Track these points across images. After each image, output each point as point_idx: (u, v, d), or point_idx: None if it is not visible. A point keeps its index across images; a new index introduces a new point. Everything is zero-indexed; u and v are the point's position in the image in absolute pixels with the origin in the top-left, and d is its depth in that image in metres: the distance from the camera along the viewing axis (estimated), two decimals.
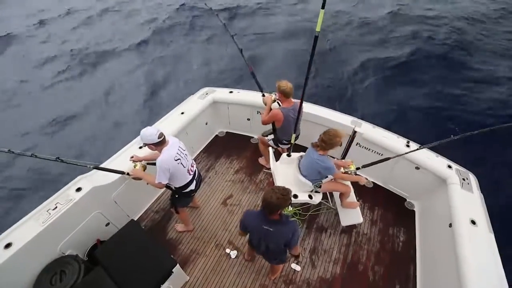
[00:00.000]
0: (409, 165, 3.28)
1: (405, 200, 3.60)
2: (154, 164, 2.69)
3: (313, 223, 3.33)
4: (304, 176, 2.79)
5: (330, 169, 2.61)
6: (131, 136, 3.25)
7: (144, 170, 2.61)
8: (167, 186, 2.55)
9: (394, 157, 2.89)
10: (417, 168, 3.24)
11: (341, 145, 2.56)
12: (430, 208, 3.28)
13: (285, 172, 3.12)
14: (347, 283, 2.83)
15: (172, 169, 2.31)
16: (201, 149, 4.30)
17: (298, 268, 2.93)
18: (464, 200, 2.75)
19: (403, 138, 3.36)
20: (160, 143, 2.26)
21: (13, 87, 8.19)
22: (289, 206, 3.25)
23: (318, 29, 1.92)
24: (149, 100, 7.47)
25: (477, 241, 2.40)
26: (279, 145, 3.36)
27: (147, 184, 2.79)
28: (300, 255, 3.01)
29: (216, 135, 4.55)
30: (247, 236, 2.35)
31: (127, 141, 3.21)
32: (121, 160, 2.90)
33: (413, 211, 3.49)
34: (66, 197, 2.50)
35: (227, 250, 3.03)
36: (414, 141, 3.34)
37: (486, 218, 2.60)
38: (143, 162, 2.66)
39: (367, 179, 3.66)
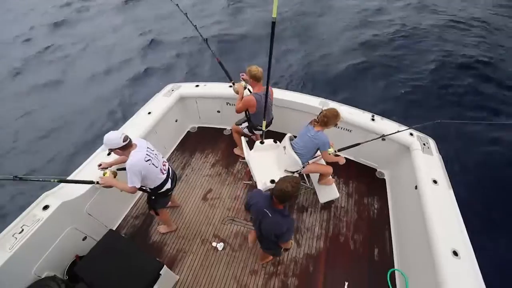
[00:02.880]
0: (375, 137, 3.46)
1: (376, 170, 3.83)
2: (125, 169, 2.62)
3: (294, 204, 3.45)
4: (299, 154, 2.84)
5: (326, 143, 2.74)
6: None
7: (114, 177, 2.51)
8: (142, 189, 2.48)
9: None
10: (383, 139, 3.44)
11: (336, 125, 2.71)
12: (398, 174, 3.53)
13: (260, 159, 3.17)
14: (331, 255, 3.00)
15: (143, 170, 2.26)
16: (174, 147, 4.20)
17: None
18: (426, 163, 2.99)
19: (368, 113, 3.54)
20: (126, 146, 2.19)
21: None
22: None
23: (274, 15, 1.94)
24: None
25: (439, 198, 2.64)
26: (254, 131, 3.38)
27: (121, 191, 2.68)
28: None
29: (188, 131, 4.46)
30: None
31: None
32: (89, 169, 2.75)
33: (384, 180, 3.74)
34: (33, 217, 2.34)
35: (214, 244, 3.06)
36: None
37: (445, 176, 2.86)
38: (113, 169, 2.55)
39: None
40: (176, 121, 4.11)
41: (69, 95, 7.47)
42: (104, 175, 2.45)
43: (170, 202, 3.30)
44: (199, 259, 2.96)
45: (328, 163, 3.11)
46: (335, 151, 2.96)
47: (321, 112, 2.70)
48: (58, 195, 2.52)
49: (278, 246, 2.25)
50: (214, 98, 4.02)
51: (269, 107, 3.15)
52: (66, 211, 2.49)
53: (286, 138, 3.03)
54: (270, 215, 2.02)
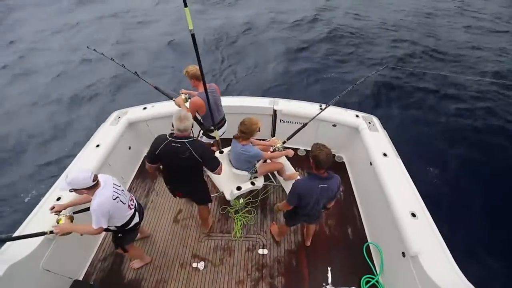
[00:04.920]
0: (327, 125, 3.68)
1: (334, 155, 4.06)
2: (83, 210, 2.40)
3: (266, 205, 3.49)
4: (237, 168, 2.89)
5: (256, 155, 2.77)
6: None
7: (71, 221, 2.25)
8: (107, 229, 2.28)
9: (309, 121, 3.21)
10: (334, 125, 3.67)
11: (259, 130, 2.71)
12: (354, 155, 3.78)
13: (224, 169, 3.15)
14: (311, 245, 3.09)
15: (112, 209, 2.08)
16: (133, 175, 3.98)
17: (265, 251, 3.05)
18: (374, 140, 3.26)
19: (316, 104, 3.74)
20: (94, 186, 2.00)
21: None
22: (240, 199, 3.33)
23: (190, 27, 1.98)
24: None
25: (391, 168, 2.91)
26: (211, 135, 3.33)
27: (81, 235, 2.48)
28: (265, 238, 3.16)
29: (145, 156, 4.26)
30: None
31: None
32: (40, 219, 2.49)
33: (343, 163, 3.97)
34: None
35: (194, 265, 2.96)
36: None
37: (392, 148, 3.15)
38: (68, 213, 2.31)
39: (297, 149, 4.01)
40: (129, 148, 3.90)
41: None
42: (58, 222, 2.20)
43: (139, 234, 3.13)
44: (181, 284, 2.83)
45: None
46: (283, 144, 3.08)
47: (238, 128, 2.73)
48: (3, 259, 2.21)
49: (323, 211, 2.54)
50: (165, 117, 3.89)
51: (219, 105, 3.15)
52: (17, 275, 2.20)
53: (225, 158, 3.12)
54: (326, 185, 2.19)
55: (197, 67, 2.80)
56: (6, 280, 2.12)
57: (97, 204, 2.00)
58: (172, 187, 2.68)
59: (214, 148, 3.81)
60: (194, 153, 2.20)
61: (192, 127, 3.23)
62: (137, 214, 2.43)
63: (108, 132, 3.56)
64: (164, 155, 2.27)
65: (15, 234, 2.34)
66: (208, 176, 3.81)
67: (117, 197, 2.13)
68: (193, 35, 2.03)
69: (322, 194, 2.25)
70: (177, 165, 2.32)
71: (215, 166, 2.37)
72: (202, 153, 2.26)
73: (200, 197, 2.88)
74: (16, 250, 2.29)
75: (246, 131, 2.63)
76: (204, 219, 3.18)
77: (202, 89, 2.92)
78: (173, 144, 2.21)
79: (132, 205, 2.38)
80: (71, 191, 1.97)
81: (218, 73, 7.94)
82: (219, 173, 2.44)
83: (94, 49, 3.38)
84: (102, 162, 3.21)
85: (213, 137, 3.28)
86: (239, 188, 2.90)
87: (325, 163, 2.08)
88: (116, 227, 2.31)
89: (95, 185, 2.01)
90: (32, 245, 2.33)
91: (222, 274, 2.89)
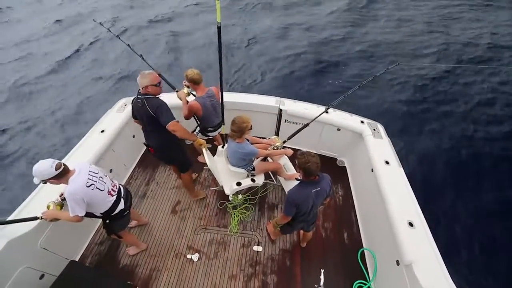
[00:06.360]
0: (332, 128, 3.68)
1: (336, 159, 4.06)
2: None
3: (264, 203, 3.51)
4: (234, 165, 2.92)
5: (250, 153, 2.79)
6: None
7: (61, 208, 2.27)
8: (91, 215, 2.29)
9: (310, 122, 3.23)
10: (339, 129, 3.67)
11: (251, 128, 2.73)
12: (356, 160, 3.78)
13: (223, 164, 3.17)
14: (306, 247, 3.10)
15: (86, 197, 2.06)
16: (135, 163, 4.02)
17: (260, 248, 3.07)
18: (378, 147, 3.25)
19: (322, 106, 3.73)
20: (61, 175, 1.97)
21: None
22: (239, 195, 3.35)
23: (218, 19, 1.97)
24: None
25: (392, 176, 2.90)
26: (207, 134, 3.36)
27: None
28: (262, 235, 3.17)
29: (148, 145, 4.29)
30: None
31: None
32: (36, 204, 2.51)
33: (344, 167, 3.97)
34: None
35: (188, 256, 2.98)
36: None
37: (395, 156, 3.14)
38: (57, 200, 2.32)
39: (300, 150, 4.01)
40: (133, 136, 3.93)
41: None
42: (48, 208, 2.24)
43: (136, 221, 3.18)
44: (175, 274, 2.86)
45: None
46: (283, 143, 3.09)
47: (230, 127, 2.75)
48: (3, 234, 2.26)
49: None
50: (172, 108, 3.92)
51: (217, 108, 3.15)
52: (15, 250, 2.24)
53: (223, 154, 3.13)
54: (319, 189, 2.23)
55: (196, 71, 2.96)
56: (4, 254, 2.17)
57: (68, 192, 2.00)
58: (145, 141, 2.91)
59: (216, 143, 3.84)
60: (149, 109, 2.48)
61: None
62: (122, 200, 2.42)
63: (114, 119, 3.60)
64: (133, 110, 2.70)
65: (10, 218, 2.38)
66: (209, 169, 3.84)
67: (92, 184, 2.11)
68: (219, 28, 2.04)
69: (317, 197, 2.28)
70: (141, 117, 2.64)
71: (167, 120, 2.51)
72: (156, 109, 2.49)
73: (177, 163, 3.14)
74: (16, 228, 2.32)
75: (237, 129, 2.68)
76: (187, 187, 3.35)
77: (200, 93, 3.05)
78: (138, 100, 2.56)
79: (115, 191, 2.37)
80: (45, 183, 1.97)
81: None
82: (172, 129, 2.53)
83: (100, 23, 3.42)
84: (106, 147, 3.25)
85: (209, 136, 3.35)
86: (239, 184, 2.92)
87: (315, 171, 2.10)
88: (100, 213, 2.31)
89: (64, 173, 1.99)
90: (31, 224, 2.37)
91: (215, 268, 2.91)
